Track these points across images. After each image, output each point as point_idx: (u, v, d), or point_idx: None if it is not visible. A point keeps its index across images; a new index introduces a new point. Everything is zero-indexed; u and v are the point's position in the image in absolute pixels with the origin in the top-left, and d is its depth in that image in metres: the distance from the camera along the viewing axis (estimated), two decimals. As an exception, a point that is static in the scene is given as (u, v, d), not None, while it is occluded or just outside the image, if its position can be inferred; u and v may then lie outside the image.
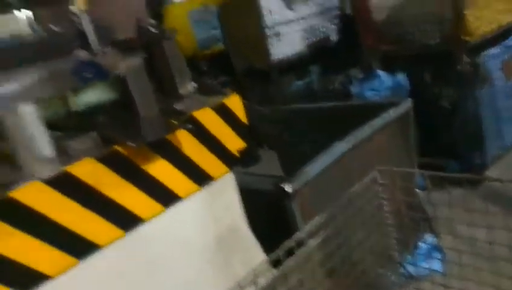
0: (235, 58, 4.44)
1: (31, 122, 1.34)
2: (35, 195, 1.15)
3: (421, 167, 2.36)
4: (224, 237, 1.56)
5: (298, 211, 1.69)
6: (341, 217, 1.59)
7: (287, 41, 4.07)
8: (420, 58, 3.11)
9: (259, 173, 2.37)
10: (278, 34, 4.04)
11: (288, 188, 1.78)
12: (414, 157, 2.47)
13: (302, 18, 4.11)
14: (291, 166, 2.47)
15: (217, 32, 4.68)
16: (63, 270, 1.19)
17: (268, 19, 3.92)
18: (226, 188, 1.59)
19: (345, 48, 4.00)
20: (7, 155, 1.41)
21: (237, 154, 1.61)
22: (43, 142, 1.35)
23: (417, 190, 2.01)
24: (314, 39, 4.12)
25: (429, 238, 2.28)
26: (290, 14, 4.05)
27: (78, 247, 1.22)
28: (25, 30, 1.87)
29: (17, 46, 1.56)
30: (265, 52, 3.94)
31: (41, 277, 1.15)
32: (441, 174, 1.62)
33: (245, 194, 1.74)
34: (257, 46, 4.03)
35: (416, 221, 1.99)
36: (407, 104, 2.37)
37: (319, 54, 4.06)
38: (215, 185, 1.55)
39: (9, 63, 1.37)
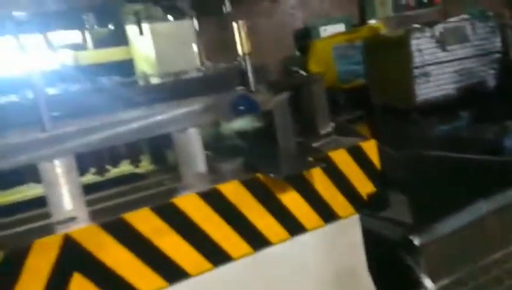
0: (374, 94, 4.42)
1: (194, 142, 1.62)
2: (190, 204, 1.39)
3: None
4: (342, 276, 1.60)
5: (423, 267, 1.63)
6: (472, 284, 1.48)
7: (435, 82, 3.89)
8: None
9: (386, 217, 2.33)
10: (426, 74, 3.91)
11: (416, 240, 1.72)
12: None
13: (456, 60, 3.89)
14: (421, 216, 2.35)
15: (359, 68, 4.73)
16: (200, 272, 1.40)
17: (417, 58, 3.83)
18: (350, 229, 1.64)
19: (503, 95, 3.63)
20: (173, 167, 1.72)
21: (366, 198, 1.65)
22: (200, 161, 1.62)
23: None
24: (467, 83, 3.85)
25: None
26: (442, 55, 3.88)
27: (215, 254, 1.42)
28: (197, 65, 2.27)
29: (191, 79, 1.91)
30: (410, 92, 3.84)
31: (183, 273, 1.38)
32: None
33: (369, 237, 1.75)
34: (401, 84, 3.95)
35: None
36: None
37: (471, 99, 3.76)
38: (341, 223, 1.61)
39: (189, 92, 1.69)
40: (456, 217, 1.84)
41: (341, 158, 1.59)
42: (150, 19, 2.04)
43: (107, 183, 1.77)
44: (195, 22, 1.88)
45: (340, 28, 4.99)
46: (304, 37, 5.00)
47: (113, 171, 1.86)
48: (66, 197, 1.44)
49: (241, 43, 1.68)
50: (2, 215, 1.53)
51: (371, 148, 1.63)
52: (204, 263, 1.40)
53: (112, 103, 1.68)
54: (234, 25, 1.65)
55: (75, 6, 1.64)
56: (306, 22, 5.35)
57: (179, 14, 1.82)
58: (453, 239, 1.78)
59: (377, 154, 1.64)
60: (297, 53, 5.02)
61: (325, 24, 5.08)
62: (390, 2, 3.17)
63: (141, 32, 2.09)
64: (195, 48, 2.19)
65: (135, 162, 1.90)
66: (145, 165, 1.94)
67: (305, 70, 4.34)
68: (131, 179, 1.81)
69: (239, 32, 1.66)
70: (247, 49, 1.69)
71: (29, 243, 1.21)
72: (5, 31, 1.84)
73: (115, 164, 1.88)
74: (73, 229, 1.27)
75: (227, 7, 1.71)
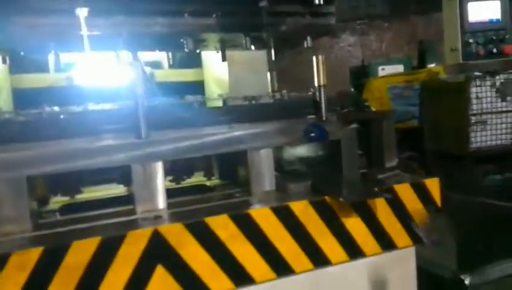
0: (427, 137, 4.43)
1: (265, 161, 1.77)
2: (263, 216, 1.53)
3: None
4: (395, 305, 1.66)
5: (476, 307, 1.65)
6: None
7: (491, 131, 3.88)
8: None
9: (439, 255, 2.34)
10: (483, 122, 3.90)
11: (467, 280, 1.75)
12: None
13: (516, 110, 3.86)
14: (470, 260, 2.34)
15: (414, 109, 4.76)
16: (264, 280, 1.52)
17: (476, 106, 3.84)
18: (406, 259, 1.70)
19: None
20: (242, 182, 1.87)
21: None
22: (270, 178, 1.77)
23: None
24: (526, 134, 3.80)
25: None
26: (501, 105, 3.87)
27: (280, 265, 1.53)
28: (269, 92, 2.45)
29: (268, 104, 2.10)
30: (465, 138, 3.83)
31: (249, 279, 1.50)
32: None
33: (421, 272, 1.80)
34: (456, 130, 3.95)
35: None
36: None
37: (528, 151, 3.70)
38: (397, 253, 1.68)
39: (265, 115, 1.87)
40: (509, 264, 1.85)
41: (404, 191, 1.68)
42: (233, 47, 2.26)
43: (181, 191, 1.95)
44: (273, 53, 2.06)
45: (399, 68, 5.09)
46: (360, 75, 5.12)
47: (188, 181, 2.05)
48: (152, 197, 1.63)
49: (318, 75, 1.84)
50: (92, 209, 1.74)
51: (434, 186, 1.71)
52: (269, 272, 1.52)
53: (195, 119, 1.88)
54: (314, 58, 1.82)
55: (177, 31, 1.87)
56: (364, 60, 5.50)
57: (261, 46, 2.02)
58: (504, 284, 1.79)
59: (439, 193, 1.72)
60: (352, 90, 5.14)
61: (384, 64, 5.19)
62: (461, 49, 3.24)
63: (224, 59, 2.31)
64: (268, 76, 2.38)
65: (208, 174, 2.08)
66: (216, 179, 2.11)
67: (358, 106, 4.44)
68: (204, 189, 1.98)
69: (317, 65, 1.83)
70: (323, 81, 1.86)
71: (124, 233, 1.39)
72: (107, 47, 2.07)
73: (190, 174, 2.07)
74: (161, 225, 1.44)
75: (309, 43, 1.89)
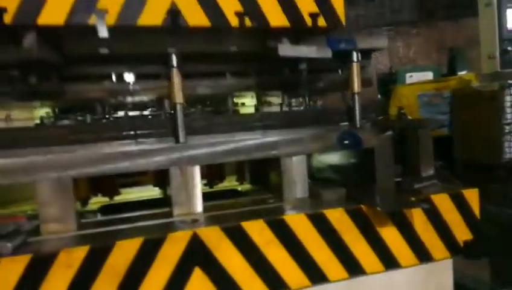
0: (458, 147, 4.33)
1: (298, 167, 1.78)
2: (298, 222, 1.54)
3: None
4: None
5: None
6: None
7: (526, 141, 3.77)
8: None
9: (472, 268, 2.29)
10: (516, 132, 3.80)
11: (506, 296, 1.71)
12: None
13: (552, 120, 3.74)
14: (504, 274, 2.28)
15: (444, 118, 4.66)
16: (299, 287, 1.53)
17: (509, 116, 3.75)
18: (443, 272, 1.67)
19: None
20: (274, 188, 1.89)
21: (461, 244, 1.69)
22: (303, 185, 1.78)
23: None
24: None
25: None
26: (536, 114, 3.76)
27: (314, 273, 1.53)
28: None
29: (303, 111, 2.12)
30: (497, 148, 3.74)
31: (284, 285, 1.51)
32: None
33: (459, 286, 1.76)
34: (489, 139, 3.86)
35: None
36: None
37: None
38: (434, 265, 1.66)
39: (300, 122, 1.88)
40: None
41: (442, 202, 1.65)
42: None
43: (215, 195, 1.98)
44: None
45: (428, 76, 5.01)
46: (388, 82, 5.06)
47: (220, 185, 2.08)
48: (189, 201, 1.66)
49: (353, 82, 1.84)
50: (129, 210, 1.79)
51: (472, 197, 1.68)
52: (304, 279, 1.53)
53: (230, 125, 1.91)
54: (352, 66, 1.83)
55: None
56: (391, 66, 5.44)
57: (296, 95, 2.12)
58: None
59: (478, 203, 1.68)
60: (379, 97, 5.09)
61: (412, 71, 5.12)
62: (499, 57, 3.17)
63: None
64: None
65: (240, 179, 2.10)
66: (247, 184, 2.14)
67: (386, 114, 4.39)
68: (236, 194, 2.01)
69: (354, 73, 1.84)
70: (358, 88, 1.86)
71: (164, 235, 1.42)
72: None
73: (222, 179, 2.10)
74: (199, 228, 1.47)
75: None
